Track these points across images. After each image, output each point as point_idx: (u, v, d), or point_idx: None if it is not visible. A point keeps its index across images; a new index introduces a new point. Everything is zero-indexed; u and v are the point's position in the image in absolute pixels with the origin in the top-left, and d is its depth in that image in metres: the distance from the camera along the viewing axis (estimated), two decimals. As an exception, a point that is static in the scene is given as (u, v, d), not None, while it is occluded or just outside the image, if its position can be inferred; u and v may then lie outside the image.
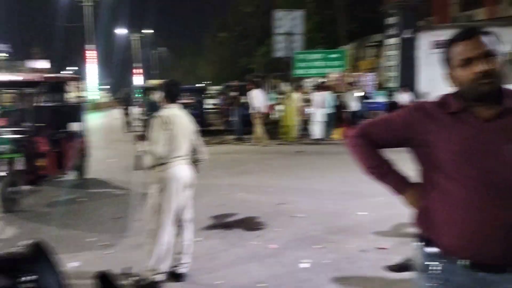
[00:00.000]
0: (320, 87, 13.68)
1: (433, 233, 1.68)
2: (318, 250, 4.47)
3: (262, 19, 27.36)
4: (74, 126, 8.35)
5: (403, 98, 14.94)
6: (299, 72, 17.12)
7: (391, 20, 17.42)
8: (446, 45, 1.66)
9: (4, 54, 42.99)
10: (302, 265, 4.09)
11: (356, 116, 13.46)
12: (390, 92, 16.41)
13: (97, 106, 36.27)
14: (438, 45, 16.57)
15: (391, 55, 17.43)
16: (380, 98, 16.03)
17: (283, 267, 4.08)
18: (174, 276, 3.83)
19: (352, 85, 13.93)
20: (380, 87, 17.73)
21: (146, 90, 15.02)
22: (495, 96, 1.58)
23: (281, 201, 6.37)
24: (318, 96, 12.96)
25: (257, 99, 12.69)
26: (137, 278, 3.69)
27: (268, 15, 23.76)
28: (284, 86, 14.92)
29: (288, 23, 17.80)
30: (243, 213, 5.83)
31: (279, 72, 25.46)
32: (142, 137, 3.90)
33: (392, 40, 17.26)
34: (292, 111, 13.31)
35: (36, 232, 5.33)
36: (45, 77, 7.32)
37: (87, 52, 40.79)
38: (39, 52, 48.65)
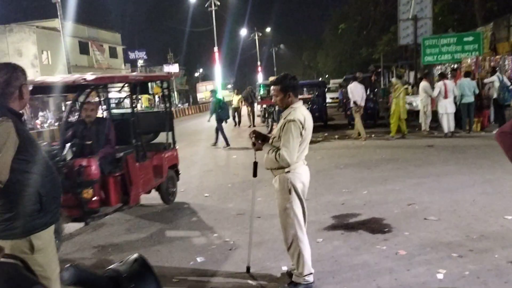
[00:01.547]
0: (445, 75, 12.36)
1: None
2: (456, 259, 3.94)
3: (385, 6, 25.92)
4: (154, 139, 7.13)
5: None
6: (429, 59, 15.86)
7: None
8: None
9: (142, 61, 47.67)
10: (438, 276, 3.63)
11: (499, 106, 11.87)
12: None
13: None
14: None
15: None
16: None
17: (415, 277, 3.66)
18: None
19: (494, 70, 12.25)
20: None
21: (212, 91, 14.47)
22: None
23: (411, 201, 5.83)
24: (450, 85, 11.68)
25: (355, 92, 12.14)
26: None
27: (391, 1, 22.45)
28: (395, 78, 13.52)
29: (416, 7, 16.56)
30: (368, 214, 5.47)
31: (405, 61, 23.93)
32: (263, 139, 3.76)
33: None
34: (400, 104, 12.03)
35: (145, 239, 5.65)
36: (95, 79, 5.21)
37: (214, 53, 43.18)
38: (173, 56, 52.89)
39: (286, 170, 3.50)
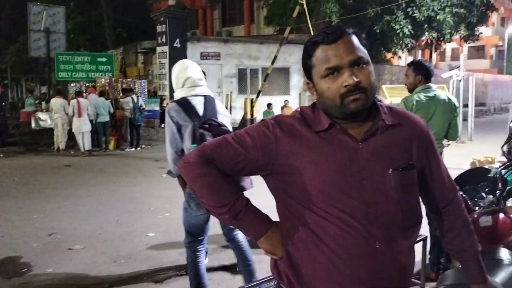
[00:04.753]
0: (81, 93, 12.44)
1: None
2: (106, 290, 3.71)
3: (13, 13, 23.59)
4: None
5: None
6: (63, 75, 15.36)
7: (160, 28, 17.36)
8: (308, 48, 1.31)
9: None
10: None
11: (133, 125, 12.80)
12: (162, 100, 16.35)
13: None
14: (205, 56, 17.43)
15: (162, 63, 17.37)
16: (153, 106, 15.80)
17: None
18: None
19: (129, 91, 13.15)
20: (152, 94, 17.47)
21: None
22: (368, 111, 1.31)
23: (52, 231, 5.22)
24: (85, 103, 11.60)
25: None
26: None
27: (21, 8, 20.60)
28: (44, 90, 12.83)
29: (47, 20, 15.76)
30: (0, 253, 4.50)
31: (36, 74, 22.44)
32: None
33: (163, 48, 17.23)
34: None
35: None
36: None
37: None
38: None
39: None
